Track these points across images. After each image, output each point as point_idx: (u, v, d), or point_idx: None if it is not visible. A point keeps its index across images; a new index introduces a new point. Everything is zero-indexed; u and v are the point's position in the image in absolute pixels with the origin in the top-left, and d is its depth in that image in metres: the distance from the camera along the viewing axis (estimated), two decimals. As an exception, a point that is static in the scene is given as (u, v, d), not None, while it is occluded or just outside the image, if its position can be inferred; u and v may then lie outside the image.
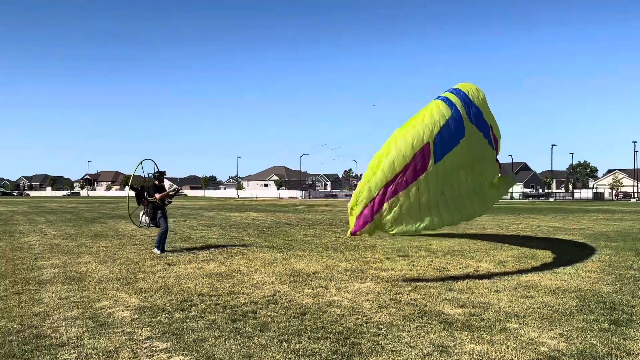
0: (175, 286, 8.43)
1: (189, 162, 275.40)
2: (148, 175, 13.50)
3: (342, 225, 21.92)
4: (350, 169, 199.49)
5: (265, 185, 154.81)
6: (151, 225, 13.12)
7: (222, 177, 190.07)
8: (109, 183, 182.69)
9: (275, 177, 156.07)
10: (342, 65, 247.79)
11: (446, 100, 9.38)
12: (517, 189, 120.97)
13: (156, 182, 13.01)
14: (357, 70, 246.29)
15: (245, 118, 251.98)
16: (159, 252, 12.45)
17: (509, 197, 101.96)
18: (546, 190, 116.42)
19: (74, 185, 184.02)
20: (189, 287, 8.32)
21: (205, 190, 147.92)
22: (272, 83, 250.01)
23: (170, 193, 13.21)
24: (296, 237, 16.66)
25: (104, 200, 75.95)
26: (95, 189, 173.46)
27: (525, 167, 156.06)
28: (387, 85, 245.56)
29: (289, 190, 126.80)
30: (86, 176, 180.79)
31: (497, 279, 9.01)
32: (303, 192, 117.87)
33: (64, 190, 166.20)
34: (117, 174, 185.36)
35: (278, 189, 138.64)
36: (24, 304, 7.17)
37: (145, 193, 12.96)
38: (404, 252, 12.61)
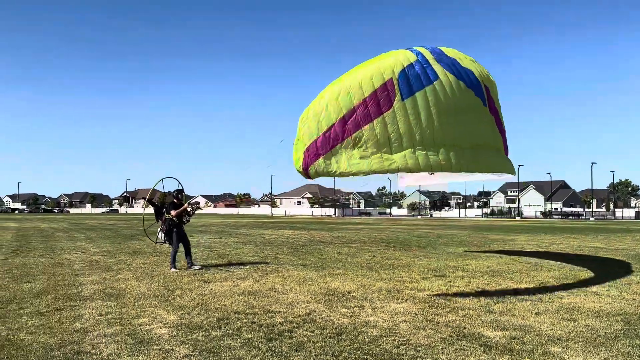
0: (211, 304, 8.47)
1: (223, 180, 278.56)
2: (168, 192, 13.58)
3: (377, 243, 21.78)
4: (384, 187, 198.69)
5: (299, 203, 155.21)
6: (166, 242, 13.22)
7: (255, 194, 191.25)
8: (146, 200, 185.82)
9: (309, 195, 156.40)
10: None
11: (412, 49, 9.03)
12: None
13: (175, 200, 13.11)
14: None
15: (279, 136, 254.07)
16: (175, 270, 12.53)
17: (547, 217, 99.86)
18: (574, 209, 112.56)
19: (113, 202, 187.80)
20: (225, 305, 8.35)
21: (240, 208, 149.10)
22: (306, 101, 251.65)
23: (188, 209, 13.25)
24: (330, 255, 16.60)
25: (142, 217, 77.21)
26: (133, 207, 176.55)
27: (564, 185, 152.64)
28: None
29: (322, 208, 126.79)
30: (124, 194, 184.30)
31: (538, 301, 8.77)
32: (336, 210, 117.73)
33: (103, 207, 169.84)
34: (154, 191, 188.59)
35: (311, 206, 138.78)
36: (65, 320, 7.30)
37: (164, 210, 13.09)
38: (440, 272, 12.41)
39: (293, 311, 7.91)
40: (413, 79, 8.37)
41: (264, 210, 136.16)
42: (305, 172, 8.43)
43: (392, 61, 8.53)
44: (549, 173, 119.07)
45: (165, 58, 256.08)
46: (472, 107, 9.05)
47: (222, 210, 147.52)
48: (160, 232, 13.12)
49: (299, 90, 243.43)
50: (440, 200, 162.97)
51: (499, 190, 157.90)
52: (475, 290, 10.00)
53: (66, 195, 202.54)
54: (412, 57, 8.71)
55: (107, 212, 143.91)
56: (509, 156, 10.69)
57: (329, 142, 8.15)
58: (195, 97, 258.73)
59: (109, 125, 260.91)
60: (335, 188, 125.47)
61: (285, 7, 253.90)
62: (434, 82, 8.49)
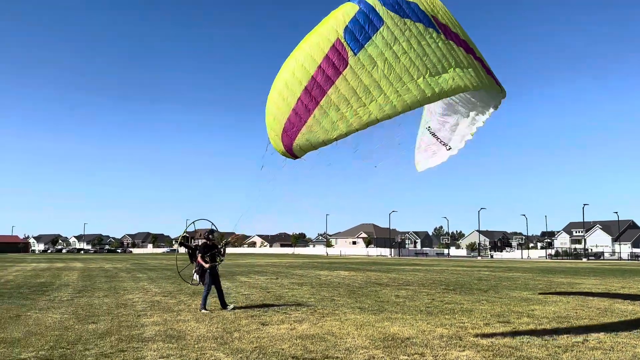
0: (269, 347, 8.43)
1: (279, 219, 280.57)
2: (202, 234, 13.77)
3: (436, 286, 21.26)
4: (441, 227, 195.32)
5: (354, 242, 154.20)
6: (200, 283, 13.31)
7: (311, 234, 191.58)
8: (205, 241, 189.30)
9: (364, 235, 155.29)
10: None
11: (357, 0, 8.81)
12: (625, 249, 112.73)
13: (207, 241, 13.26)
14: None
15: (334, 176, 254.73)
16: (205, 311, 12.60)
17: (616, 257, 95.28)
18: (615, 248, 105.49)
19: (173, 242, 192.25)
20: (282, 349, 8.29)
21: (295, 248, 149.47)
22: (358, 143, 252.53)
23: (215, 251, 13.34)
24: (388, 298, 16.30)
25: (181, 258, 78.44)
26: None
27: (633, 225, 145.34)
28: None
29: (378, 248, 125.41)
30: (184, 234, 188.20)
31: (610, 350, 8.28)
32: (392, 250, 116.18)
33: (163, 247, 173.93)
34: (211, 231, 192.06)
35: (367, 246, 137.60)
36: (128, 361, 7.42)
37: (197, 252, 13.28)
38: (504, 318, 11.94)
39: (351, 357, 7.77)
40: (358, 32, 8.27)
41: (319, 250, 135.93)
42: (290, 153, 8.32)
43: (334, 22, 8.49)
44: (616, 212, 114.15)
45: (230, 110, 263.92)
46: (426, 39, 8.71)
47: (277, 250, 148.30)
48: (195, 274, 13.29)
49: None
50: (501, 241, 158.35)
51: (563, 230, 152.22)
52: (542, 337, 9.54)
53: (129, 235, 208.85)
54: (353, 10, 8.53)
55: (167, 251, 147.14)
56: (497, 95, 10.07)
57: (300, 117, 8.10)
58: (256, 140, 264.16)
59: (171, 168, 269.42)
60: (391, 228, 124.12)
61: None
62: (380, 29, 8.34)
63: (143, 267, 38.30)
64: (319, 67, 8.12)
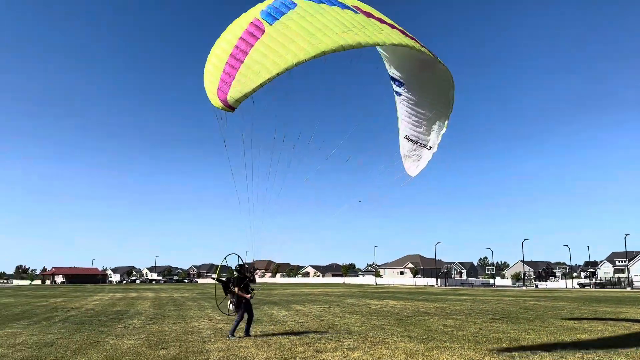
0: (324, 374, 8.30)
1: (331, 251, 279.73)
2: (235, 268, 14.01)
3: (482, 315, 20.53)
4: (486, 257, 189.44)
5: (401, 272, 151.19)
6: (235, 313, 13.27)
7: (360, 265, 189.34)
8: (263, 271, 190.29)
9: (411, 265, 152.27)
10: (461, 171, 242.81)
11: None
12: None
13: (239, 275, 13.45)
14: (473, 172, 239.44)
15: (383, 209, 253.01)
16: (232, 338, 12.64)
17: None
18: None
19: (233, 272, 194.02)
20: (337, 376, 8.15)
21: (345, 278, 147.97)
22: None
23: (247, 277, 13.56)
24: (436, 327, 15.83)
25: (258, 286, 78.73)
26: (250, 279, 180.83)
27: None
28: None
29: (425, 278, 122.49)
30: (243, 264, 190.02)
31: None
32: (438, 279, 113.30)
33: (224, 277, 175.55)
34: (269, 262, 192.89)
35: (414, 276, 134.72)
36: (194, 386, 7.46)
37: (230, 284, 13.31)
38: (551, 347, 11.38)
39: (402, 384, 7.55)
40: (273, 11, 8.95)
41: (368, 280, 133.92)
42: (227, 105, 8.54)
43: (252, 10, 9.24)
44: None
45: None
46: (340, 14, 9.12)
47: (329, 279, 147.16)
48: (231, 304, 13.34)
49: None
50: (545, 271, 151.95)
51: (606, 260, 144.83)
52: (590, 367, 9.03)
53: (195, 266, 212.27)
54: (269, 1, 9.29)
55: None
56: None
57: (229, 74, 8.55)
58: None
59: (232, 201, 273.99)
60: (437, 259, 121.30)
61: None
62: (294, 8, 8.98)
63: (207, 296, 38.69)
64: (241, 37, 8.80)
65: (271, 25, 8.74)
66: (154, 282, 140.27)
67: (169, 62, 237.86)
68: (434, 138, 11.90)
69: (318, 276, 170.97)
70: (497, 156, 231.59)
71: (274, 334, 13.77)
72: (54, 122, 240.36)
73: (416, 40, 9.96)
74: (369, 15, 9.65)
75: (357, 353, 10.47)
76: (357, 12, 9.44)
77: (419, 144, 12.01)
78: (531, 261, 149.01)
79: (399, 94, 11.93)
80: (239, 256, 14.37)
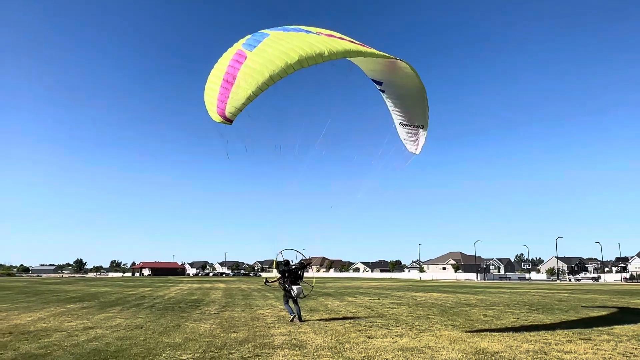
0: (375, 357, 8.27)
1: (379, 248, 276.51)
2: (290, 261, 14.83)
3: (520, 307, 19.80)
4: (522, 254, 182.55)
5: (444, 268, 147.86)
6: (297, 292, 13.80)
7: (405, 261, 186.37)
8: (318, 266, 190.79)
9: (452, 261, 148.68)
10: (508, 152, 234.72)
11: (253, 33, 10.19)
12: None
13: (285, 268, 14.25)
14: (523, 159, 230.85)
15: (426, 207, 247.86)
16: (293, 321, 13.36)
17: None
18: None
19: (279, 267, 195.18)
20: (387, 359, 8.09)
21: (392, 273, 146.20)
22: (446, 176, 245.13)
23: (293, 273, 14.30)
24: (477, 317, 15.39)
25: (315, 280, 78.94)
26: (307, 271, 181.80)
27: None
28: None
29: (465, 273, 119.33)
30: (302, 260, 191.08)
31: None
32: (478, 274, 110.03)
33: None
34: (324, 259, 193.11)
35: (455, 271, 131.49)
36: (262, 364, 7.60)
37: (285, 275, 14.09)
38: (585, 335, 10.85)
39: (447, 368, 7.40)
40: (252, 41, 9.68)
41: (413, 275, 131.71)
42: (226, 119, 9.16)
43: (236, 44, 9.89)
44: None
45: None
46: (307, 36, 9.78)
47: (377, 274, 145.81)
48: (294, 287, 13.84)
49: (436, 162, 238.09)
50: (577, 266, 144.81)
51: (636, 255, 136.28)
52: (623, 354, 8.55)
53: (259, 262, 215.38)
54: (249, 36, 10.02)
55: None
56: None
57: (224, 95, 9.15)
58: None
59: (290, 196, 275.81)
60: (476, 255, 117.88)
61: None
62: (268, 36, 9.72)
63: (270, 288, 39.17)
64: (229, 65, 9.43)
65: (251, 52, 9.45)
66: (224, 275, 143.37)
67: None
68: (422, 118, 12.47)
69: (367, 271, 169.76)
70: (531, 161, 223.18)
71: (329, 321, 13.80)
72: (150, 129, 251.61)
73: (374, 49, 10.54)
74: (330, 36, 10.29)
75: (405, 339, 10.35)
76: (320, 35, 10.09)
77: (412, 126, 12.56)
78: (564, 257, 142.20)
79: (383, 91, 12.54)
80: (297, 251, 14.64)
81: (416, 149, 13.03)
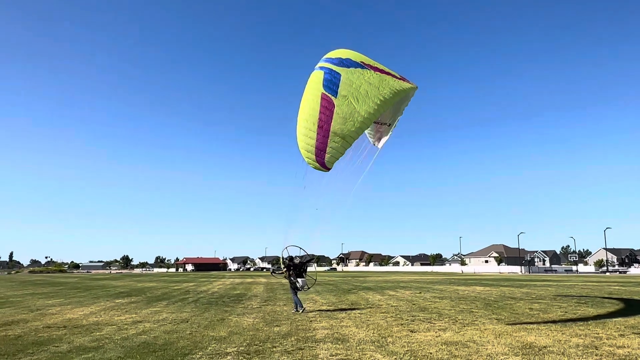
0: (419, 351, 8.20)
1: (419, 241, 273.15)
2: (295, 257, 15.82)
3: (567, 300, 19.17)
4: (568, 246, 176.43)
5: (486, 261, 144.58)
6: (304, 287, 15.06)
7: (446, 254, 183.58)
8: (357, 260, 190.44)
9: (495, 254, 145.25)
10: (544, 149, 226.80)
11: (320, 68, 11.20)
12: None
13: (289, 263, 15.21)
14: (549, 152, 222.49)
15: (467, 200, 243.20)
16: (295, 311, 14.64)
17: None
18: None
19: (332, 262, 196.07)
20: (430, 353, 8.02)
21: (433, 266, 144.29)
22: (486, 172, 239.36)
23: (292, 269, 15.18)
24: (522, 310, 15.01)
25: (354, 274, 79.12)
26: (347, 265, 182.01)
27: None
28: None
29: (509, 266, 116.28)
30: (340, 255, 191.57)
31: None
32: (522, 267, 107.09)
33: (325, 266, 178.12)
34: (363, 253, 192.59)
35: (498, 264, 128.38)
36: (306, 358, 7.69)
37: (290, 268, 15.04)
38: (639, 329, 10.39)
39: (493, 362, 7.26)
40: (331, 84, 10.71)
41: (455, 268, 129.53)
42: (325, 167, 10.54)
43: (315, 86, 10.87)
44: None
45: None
46: (364, 74, 11.02)
47: (418, 268, 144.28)
48: (299, 280, 15.05)
49: (468, 158, 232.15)
50: (628, 257, 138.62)
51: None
52: (684, 351, 8.13)
53: (298, 257, 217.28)
54: (321, 75, 10.98)
55: (328, 270, 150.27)
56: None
57: (322, 142, 10.34)
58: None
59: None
60: (520, 248, 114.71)
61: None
62: (341, 79, 10.79)
63: (311, 282, 39.44)
64: (320, 111, 10.46)
65: (335, 98, 10.53)
66: (264, 270, 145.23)
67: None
68: (389, 116, 12.70)
69: (407, 265, 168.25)
70: (576, 149, 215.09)
71: (371, 315, 13.78)
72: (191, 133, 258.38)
73: (396, 73, 11.74)
74: (376, 69, 11.35)
75: (448, 333, 10.22)
76: (368, 69, 11.22)
77: (379, 123, 12.80)
78: (614, 248, 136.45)
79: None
80: (300, 248, 15.18)
81: (380, 144, 13.21)
